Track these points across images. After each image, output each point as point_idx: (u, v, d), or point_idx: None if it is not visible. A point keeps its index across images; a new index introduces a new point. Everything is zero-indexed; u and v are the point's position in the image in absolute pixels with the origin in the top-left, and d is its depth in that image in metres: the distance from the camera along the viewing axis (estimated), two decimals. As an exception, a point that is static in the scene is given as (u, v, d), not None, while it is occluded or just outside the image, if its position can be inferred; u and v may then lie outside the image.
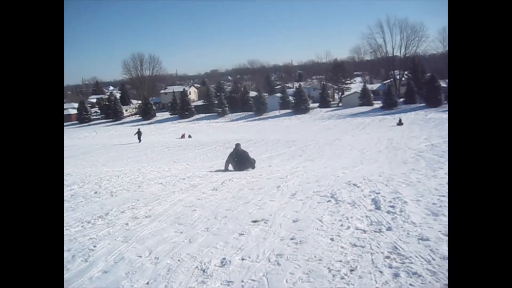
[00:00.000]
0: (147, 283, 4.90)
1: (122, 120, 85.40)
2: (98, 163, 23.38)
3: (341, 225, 6.75)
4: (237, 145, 16.75)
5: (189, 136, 48.82)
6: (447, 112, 56.61)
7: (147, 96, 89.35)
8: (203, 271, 5.16)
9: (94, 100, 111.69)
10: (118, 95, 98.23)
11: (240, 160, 15.82)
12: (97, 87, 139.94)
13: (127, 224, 7.54)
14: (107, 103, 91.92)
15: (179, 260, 5.56)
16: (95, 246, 6.29)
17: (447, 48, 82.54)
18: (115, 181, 12.88)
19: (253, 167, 16.02)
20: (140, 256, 5.80)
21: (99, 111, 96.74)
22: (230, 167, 15.94)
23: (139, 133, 40.83)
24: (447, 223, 6.48)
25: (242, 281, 4.79)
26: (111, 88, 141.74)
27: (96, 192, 10.95)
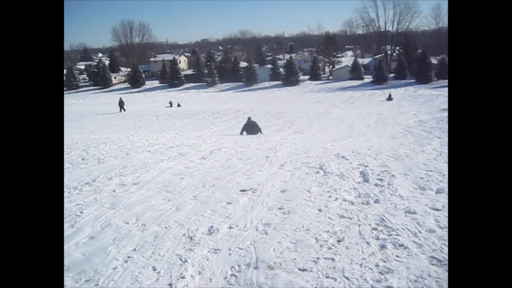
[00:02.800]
0: (134, 250, 4.89)
1: (111, 88, 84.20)
2: (86, 130, 23.20)
3: (329, 197, 6.77)
4: (249, 118, 21.24)
5: (178, 105, 48.45)
6: (436, 89, 56.82)
7: (136, 64, 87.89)
8: (190, 238, 5.16)
9: (83, 67, 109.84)
10: (107, 62, 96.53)
11: (251, 128, 20.14)
12: (86, 53, 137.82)
13: (114, 191, 7.51)
14: (95, 70, 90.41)
15: (166, 227, 5.56)
16: (81, 212, 6.27)
17: (439, 25, 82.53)
18: (102, 148, 12.79)
19: (262, 132, 20.10)
20: (127, 223, 5.79)
21: (87, 78, 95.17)
22: (244, 133, 20.12)
23: (121, 102, 39.31)
24: (433, 198, 6.55)
25: (229, 249, 4.80)
26: (100, 55, 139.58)
27: (83, 159, 10.87)
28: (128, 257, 4.70)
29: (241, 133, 20.12)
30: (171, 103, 49.96)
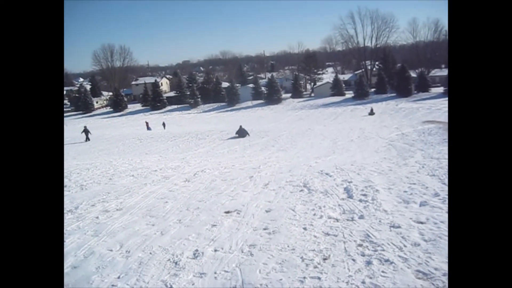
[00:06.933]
0: (118, 277, 4.82)
1: (93, 112, 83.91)
2: (68, 157, 22.89)
3: (314, 214, 6.77)
4: (240, 126, 29.63)
5: (163, 124, 48.27)
6: (417, 102, 57.56)
7: (118, 87, 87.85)
8: (175, 263, 5.11)
9: (64, 92, 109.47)
10: (88, 87, 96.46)
11: (242, 132, 28.54)
12: (67, 78, 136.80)
13: (97, 217, 7.42)
14: (77, 95, 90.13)
15: (151, 253, 5.49)
16: (64, 241, 6.16)
17: (416, 39, 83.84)
18: (85, 174, 12.65)
19: (249, 134, 28.54)
20: (111, 250, 5.71)
21: (68, 103, 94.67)
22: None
23: (86, 131, 38.08)
24: (417, 211, 6.59)
25: (215, 273, 4.75)
26: (81, 79, 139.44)
27: (65, 186, 10.72)
28: (112, 285, 4.63)
29: (236, 134, 28.67)
30: (147, 123, 49.52)
